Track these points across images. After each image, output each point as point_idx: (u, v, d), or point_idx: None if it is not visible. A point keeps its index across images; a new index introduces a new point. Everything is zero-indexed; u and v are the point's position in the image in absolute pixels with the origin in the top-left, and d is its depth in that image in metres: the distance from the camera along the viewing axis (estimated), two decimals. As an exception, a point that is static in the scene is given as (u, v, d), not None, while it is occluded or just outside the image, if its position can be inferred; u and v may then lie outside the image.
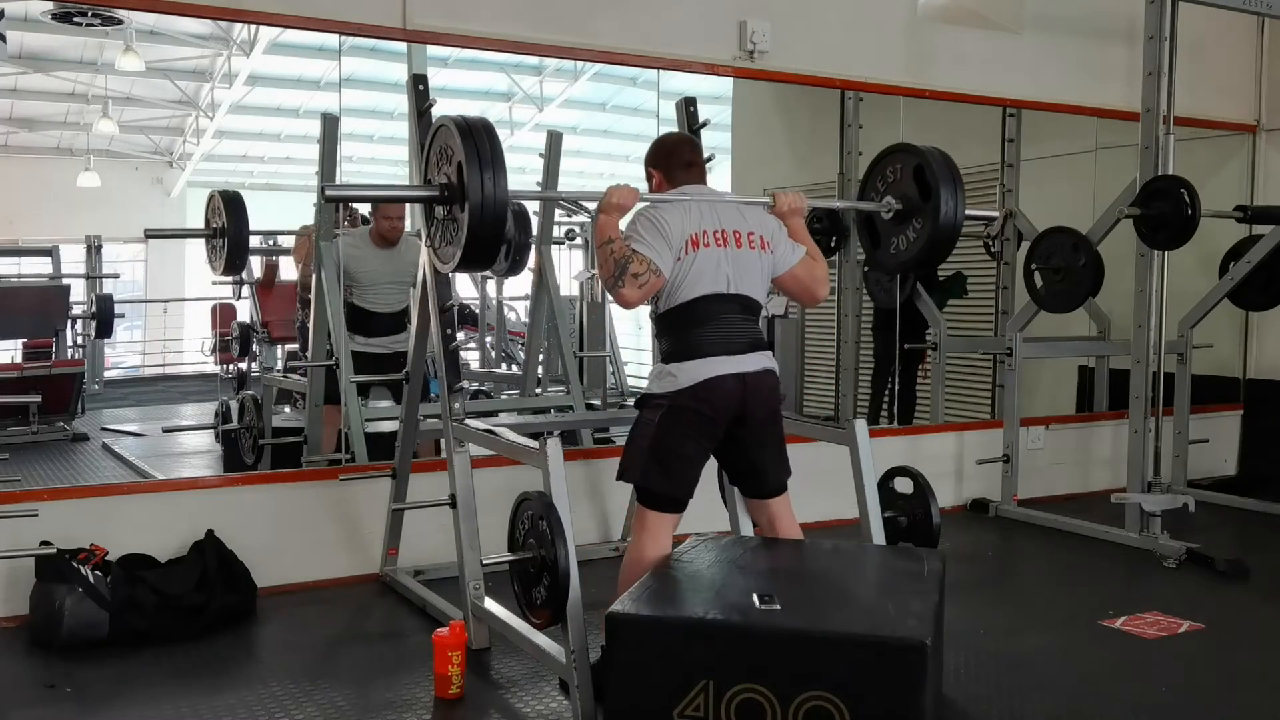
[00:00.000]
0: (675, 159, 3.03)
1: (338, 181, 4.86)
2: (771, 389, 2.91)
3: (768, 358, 2.91)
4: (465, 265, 2.81)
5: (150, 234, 4.48)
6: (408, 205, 4.87)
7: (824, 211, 5.93)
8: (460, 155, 2.64)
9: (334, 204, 4.75)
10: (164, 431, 6.56)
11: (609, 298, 6.75)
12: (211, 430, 6.04)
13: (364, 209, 5.48)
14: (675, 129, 4.29)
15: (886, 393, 6.05)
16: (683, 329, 2.84)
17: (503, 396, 6.42)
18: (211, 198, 3.85)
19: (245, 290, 5.99)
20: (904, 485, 3.68)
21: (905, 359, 5.87)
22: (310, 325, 4.91)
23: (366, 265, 4.95)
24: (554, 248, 5.90)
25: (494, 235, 2.68)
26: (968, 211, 3.24)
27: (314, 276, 4.82)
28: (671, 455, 2.82)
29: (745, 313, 2.90)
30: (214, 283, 4.87)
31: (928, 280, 5.80)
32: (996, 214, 4.89)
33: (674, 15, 4.55)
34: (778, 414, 2.96)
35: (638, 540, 2.86)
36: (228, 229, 3.73)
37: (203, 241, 4.35)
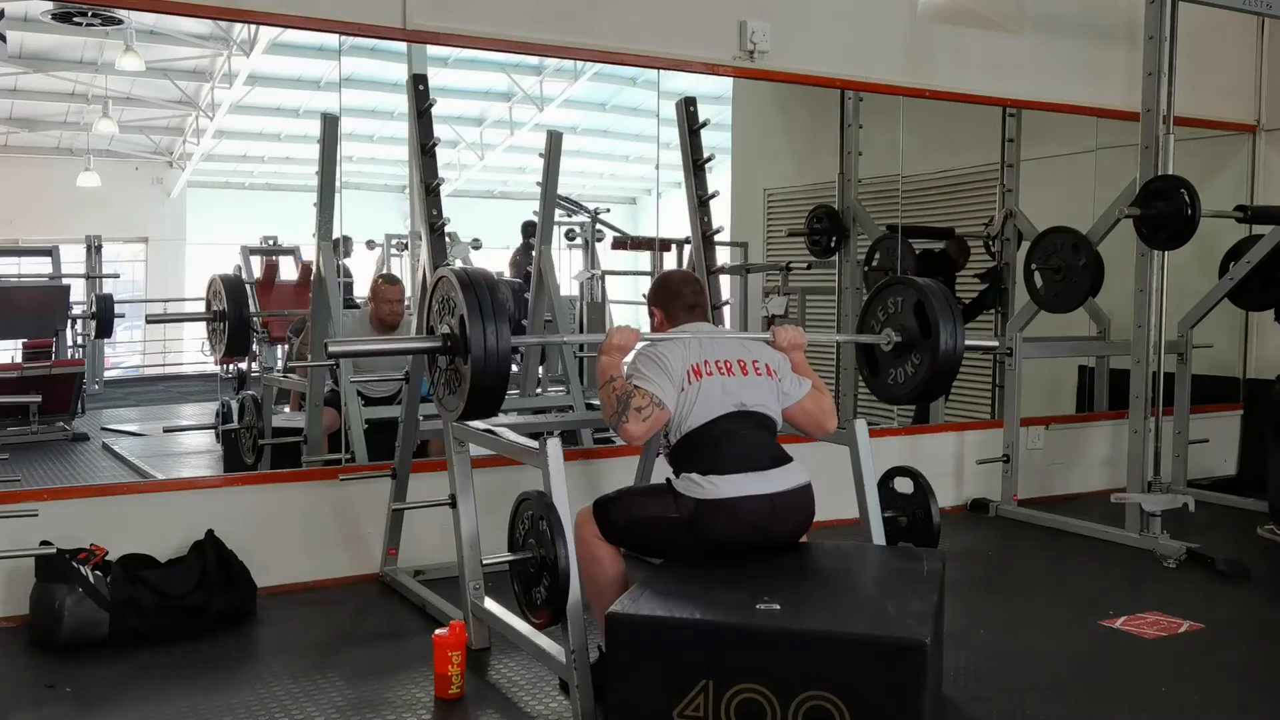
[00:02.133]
0: (679, 301, 3.07)
1: (337, 183, 4.87)
2: (803, 507, 2.83)
3: (797, 472, 2.83)
4: (469, 415, 2.82)
5: (151, 319, 4.49)
6: (407, 289, 4.91)
7: (824, 211, 5.96)
8: (462, 308, 2.66)
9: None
10: (165, 431, 6.56)
11: (610, 297, 6.77)
12: (211, 430, 6.05)
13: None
14: (675, 129, 4.30)
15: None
16: (699, 452, 2.78)
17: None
18: (212, 282, 3.84)
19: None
20: (904, 485, 3.68)
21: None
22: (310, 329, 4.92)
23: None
24: (554, 248, 5.91)
25: (497, 386, 2.69)
26: (968, 343, 3.24)
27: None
28: (653, 548, 2.86)
29: (762, 428, 2.86)
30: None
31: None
32: (996, 344, 4.92)
33: (674, 15, 4.55)
34: (808, 526, 2.89)
35: (586, 543, 2.79)
36: (229, 313, 3.71)
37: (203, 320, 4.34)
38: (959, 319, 3.20)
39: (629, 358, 2.92)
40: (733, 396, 2.83)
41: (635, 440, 2.81)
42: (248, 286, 4.61)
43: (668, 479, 2.82)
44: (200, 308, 4.59)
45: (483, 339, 2.63)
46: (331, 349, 2.92)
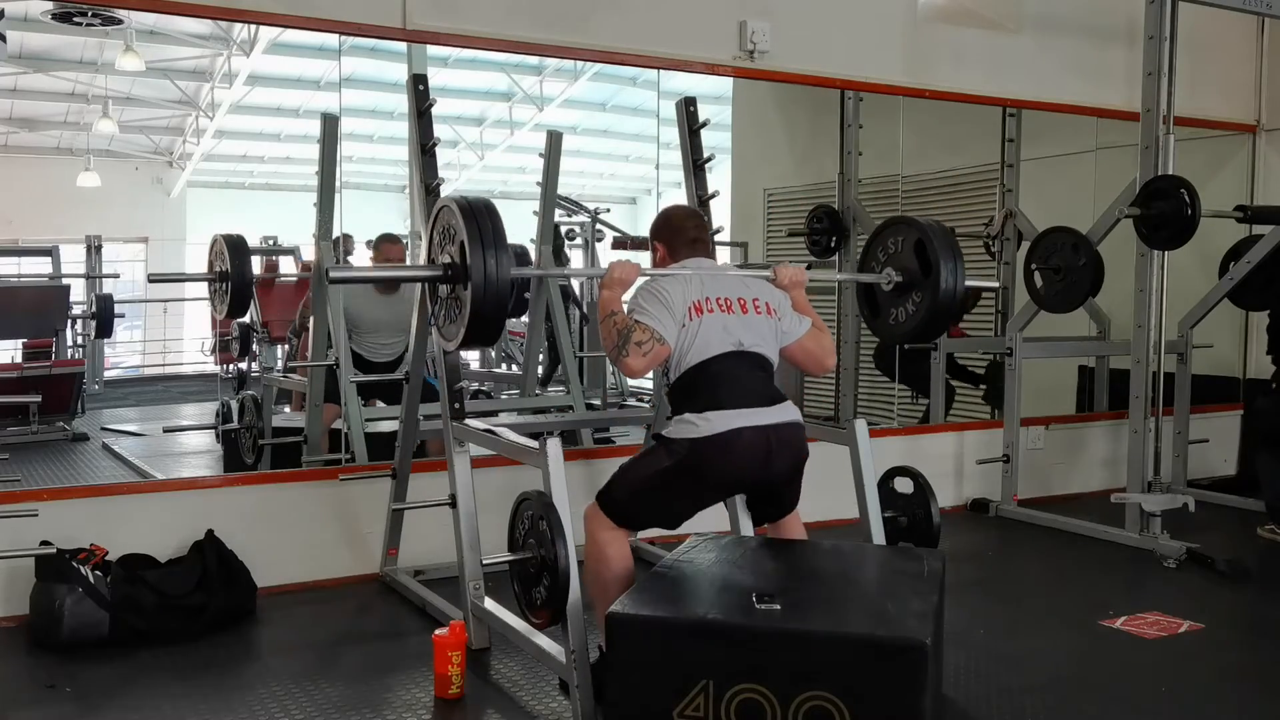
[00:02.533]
0: (680, 235, 3.06)
1: (337, 183, 4.88)
2: (797, 442, 2.86)
3: (791, 409, 2.86)
4: (469, 343, 2.84)
5: (153, 278, 4.46)
6: (408, 252, 4.91)
7: (824, 211, 5.96)
8: (463, 235, 2.67)
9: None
10: (164, 431, 6.57)
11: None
12: (212, 430, 6.05)
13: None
14: (675, 129, 4.30)
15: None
16: (698, 390, 2.80)
17: (503, 396, 6.43)
18: (215, 241, 3.84)
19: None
20: (904, 485, 3.68)
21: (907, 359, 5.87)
22: (310, 328, 4.92)
23: (368, 312, 4.97)
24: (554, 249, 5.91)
25: (497, 313, 2.71)
26: (968, 283, 3.24)
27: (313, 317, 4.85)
28: (662, 508, 2.84)
29: (760, 369, 2.87)
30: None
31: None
32: (995, 284, 4.91)
33: (674, 15, 4.55)
34: (803, 465, 2.92)
35: (596, 541, 2.80)
36: (231, 273, 3.72)
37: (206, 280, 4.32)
38: (959, 258, 3.20)
39: (630, 293, 2.92)
40: (732, 335, 2.84)
41: (635, 374, 2.82)
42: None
43: (655, 435, 2.84)
44: (200, 307, 4.59)
45: (482, 265, 2.64)
46: (333, 275, 2.93)
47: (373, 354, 5.01)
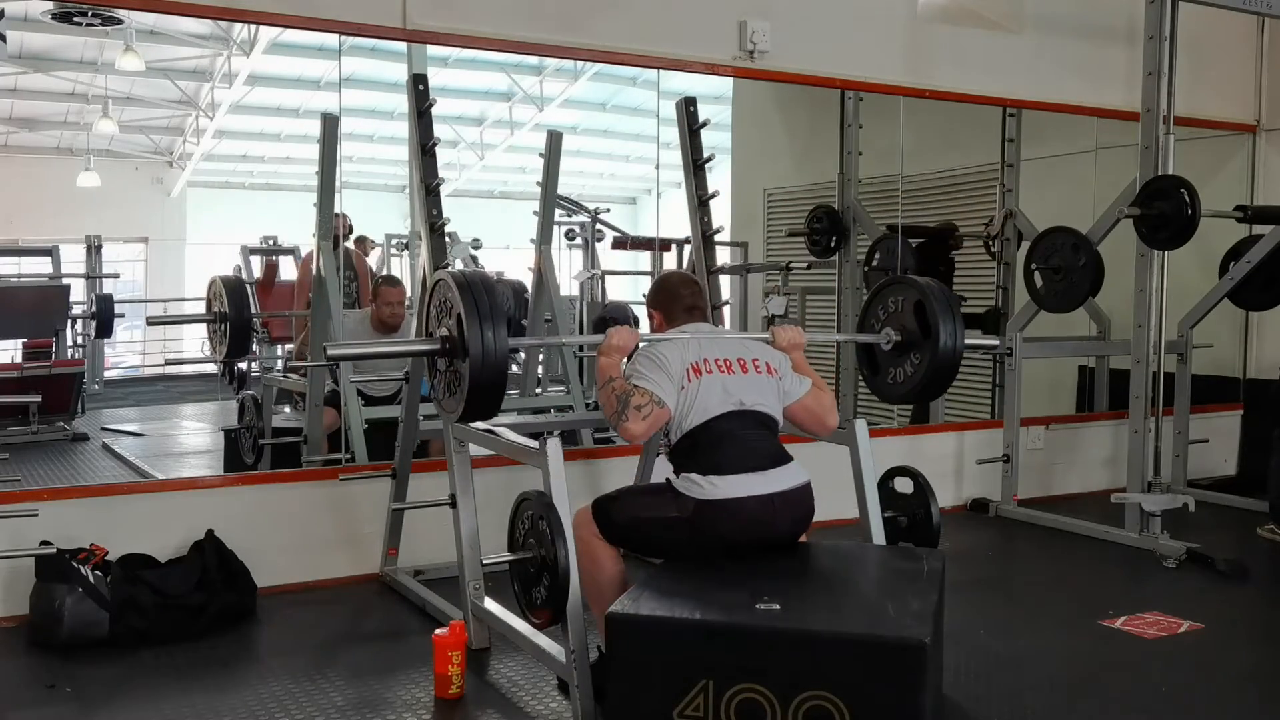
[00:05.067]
0: (677, 303, 3.07)
1: (337, 185, 4.87)
2: (803, 504, 2.85)
3: (796, 470, 2.84)
4: (469, 417, 2.83)
5: (152, 321, 4.48)
6: (407, 255, 4.90)
7: (824, 211, 5.96)
8: (460, 309, 2.67)
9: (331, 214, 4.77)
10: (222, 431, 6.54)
11: (609, 297, 6.77)
12: (220, 429, 6.02)
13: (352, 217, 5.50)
14: (675, 129, 4.30)
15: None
16: (700, 451, 2.78)
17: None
18: (212, 283, 3.84)
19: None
20: (904, 485, 3.68)
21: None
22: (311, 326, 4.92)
23: None
24: (554, 248, 5.91)
25: (496, 386, 2.71)
26: (967, 343, 3.24)
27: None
28: (655, 548, 2.86)
29: (763, 427, 2.86)
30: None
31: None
32: (996, 343, 4.92)
33: (674, 15, 4.55)
34: (808, 523, 2.90)
35: (586, 543, 2.79)
36: (229, 315, 3.72)
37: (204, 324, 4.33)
38: (959, 318, 3.21)
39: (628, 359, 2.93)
40: (733, 395, 2.83)
41: (636, 439, 2.82)
42: (248, 287, 4.58)
43: (668, 479, 2.82)
44: (200, 307, 4.59)
45: (480, 340, 2.64)
46: (330, 352, 2.92)
47: (372, 390, 4.98)
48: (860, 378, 6.05)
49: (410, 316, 4.92)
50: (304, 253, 7.05)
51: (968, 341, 3.25)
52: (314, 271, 4.86)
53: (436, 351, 2.83)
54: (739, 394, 2.84)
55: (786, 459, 2.85)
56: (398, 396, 4.94)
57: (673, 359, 2.83)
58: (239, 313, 3.73)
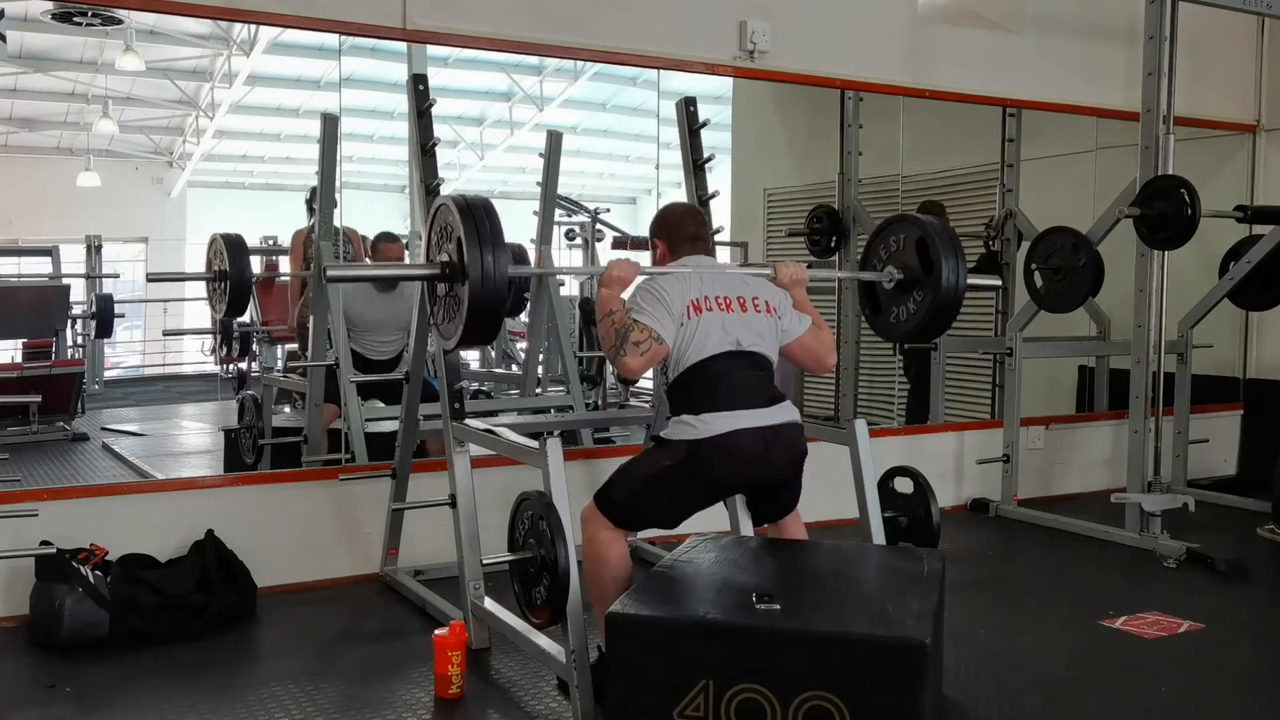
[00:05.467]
0: (680, 232, 3.05)
1: (337, 186, 4.88)
2: (796, 442, 2.86)
3: (789, 409, 2.86)
4: (468, 341, 2.83)
5: (152, 278, 4.46)
6: (407, 253, 4.90)
7: (824, 211, 5.96)
8: (460, 233, 2.67)
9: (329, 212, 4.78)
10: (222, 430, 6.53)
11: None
12: (220, 429, 6.02)
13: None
14: (675, 129, 4.30)
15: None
16: (696, 390, 2.80)
17: (502, 397, 6.42)
18: (214, 240, 3.83)
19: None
20: (904, 485, 3.68)
21: (908, 358, 5.87)
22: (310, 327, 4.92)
23: (366, 311, 4.96)
24: (554, 248, 5.91)
25: (494, 311, 2.71)
26: (969, 281, 3.23)
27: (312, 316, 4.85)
28: (660, 509, 2.83)
29: (758, 369, 2.87)
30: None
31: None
32: (996, 282, 4.90)
33: (674, 15, 4.55)
34: (801, 464, 2.92)
35: (595, 542, 2.80)
36: (230, 273, 3.71)
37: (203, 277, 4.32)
38: (961, 256, 3.18)
39: (629, 291, 2.91)
40: (731, 334, 2.83)
41: (633, 373, 2.81)
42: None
43: (654, 436, 2.82)
44: (200, 307, 4.59)
45: (480, 264, 2.63)
46: (331, 273, 2.89)
47: (372, 352, 5.01)
48: (859, 377, 6.10)
49: (406, 290, 4.88)
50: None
51: (970, 281, 3.23)
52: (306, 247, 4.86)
53: (436, 276, 2.82)
54: (737, 333, 2.84)
55: (780, 398, 2.86)
56: (398, 361, 4.95)
57: (674, 294, 2.82)
58: (239, 270, 3.71)
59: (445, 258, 2.78)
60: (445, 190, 3.62)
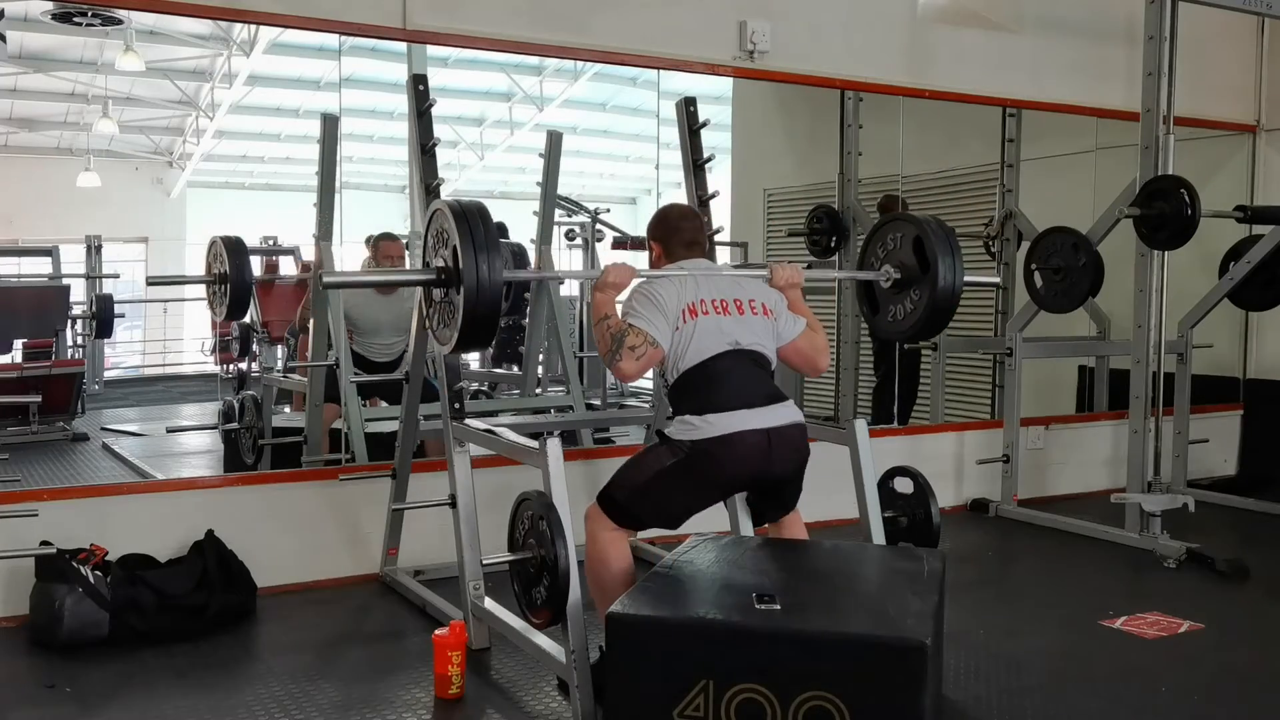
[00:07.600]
0: (677, 236, 3.04)
1: (337, 186, 4.88)
2: (798, 441, 2.86)
3: (791, 409, 2.86)
4: (462, 346, 2.82)
5: (152, 281, 4.45)
6: (407, 254, 4.91)
7: (824, 211, 5.96)
8: (455, 239, 2.67)
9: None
10: (168, 431, 6.56)
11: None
12: (215, 430, 6.04)
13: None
14: (675, 129, 4.30)
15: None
16: (696, 391, 2.79)
17: (502, 397, 6.43)
18: (213, 243, 3.83)
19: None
20: (904, 485, 3.68)
21: (905, 358, 5.87)
22: (310, 328, 4.93)
23: (367, 312, 4.97)
24: (554, 248, 5.91)
25: (489, 316, 2.70)
26: (967, 279, 3.22)
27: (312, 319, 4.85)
28: (663, 508, 2.83)
29: (758, 367, 2.87)
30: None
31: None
32: (995, 279, 4.88)
33: (674, 15, 4.55)
34: (804, 463, 2.91)
35: (597, 542, 2.81)
36: (230, 275, 3.71)
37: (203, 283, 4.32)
38: (958, 253, 3.18)
39: (625, 294, 2.91)
40: (728, 335, 2.83)
41: (628, 378, 2.82)
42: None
43: (658, 432, 2.84)
44: (200, 307, 4.59)
45: (475, 271, 2.63)
46: (326, 280, 2.89)
47: (373, 354, 5.02)
48: (858, 378, 6.10)
49: (407, 292, 4.88)
50: (303, 253, 7.07)
51: (967, 278, 3.22)
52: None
53: (432, 281, 2.82)
54: (734, 334, 2.84)
55: (782, 397, 2.86)
56: (397, 363, 4.95)
57: (669, 298, 2.82)
58: (239, 273, 3.71)
59: (441, 263, 2.78)
60: (445, 191, 3.62)
